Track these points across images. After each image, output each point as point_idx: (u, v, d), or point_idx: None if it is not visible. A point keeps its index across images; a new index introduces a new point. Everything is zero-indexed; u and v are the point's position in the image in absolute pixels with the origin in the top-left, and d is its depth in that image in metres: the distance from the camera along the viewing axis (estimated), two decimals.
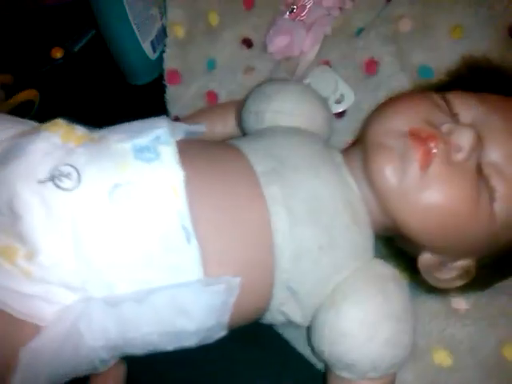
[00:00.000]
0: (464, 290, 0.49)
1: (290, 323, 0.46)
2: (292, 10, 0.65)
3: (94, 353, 0.38)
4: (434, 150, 0.41)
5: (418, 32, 0.62)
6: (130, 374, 0.43)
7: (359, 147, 0.48)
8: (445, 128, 0.43)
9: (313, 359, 0.50)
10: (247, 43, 0.68)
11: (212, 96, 0.66)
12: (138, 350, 0.40)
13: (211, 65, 0.67)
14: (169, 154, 0.40)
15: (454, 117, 0.45)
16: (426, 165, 0.41)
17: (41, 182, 0.37)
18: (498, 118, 0.44)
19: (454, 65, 0.56)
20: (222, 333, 0.42)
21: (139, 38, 0.62)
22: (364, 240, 0.45)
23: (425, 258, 0.47)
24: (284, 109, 0.50)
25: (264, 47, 0.67)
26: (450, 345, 0.48)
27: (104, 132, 0.43)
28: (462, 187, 0.42)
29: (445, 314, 0.50)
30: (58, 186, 0.37)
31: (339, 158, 0.48)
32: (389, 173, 0.42)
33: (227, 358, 0.50)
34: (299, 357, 0.51)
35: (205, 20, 0.68)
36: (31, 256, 0.36)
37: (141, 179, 0.39)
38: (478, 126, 0.43)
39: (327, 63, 0.64)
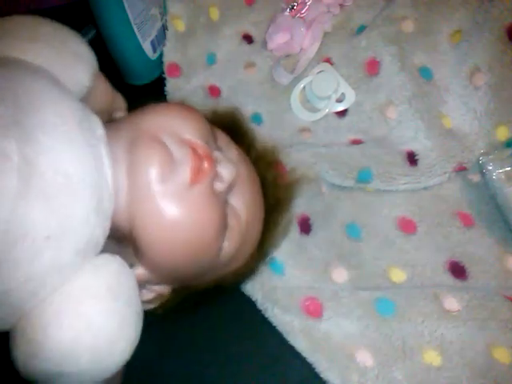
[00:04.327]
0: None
1: None
2: (292, 7, 0.65)
3: None
4: (206, 171, 0.41)
5: (420, 33, 0.61)
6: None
7: (127, 127, 0.43)
8: (215, 155, 0.43)
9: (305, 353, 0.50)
10: (248, 39, 0.68)
11: (214, 90, 0.66)
12: None
13: (211, 59, 0.67)
14: None
15: (219, 150, 0.46)
16: (196, 179, 0.41)
17: None
18: (245, 168, 0.48)
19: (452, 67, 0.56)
20: None
21: (139, 38, 0.61)
22: (100, 234, 0.38)
23: (137, 273, 0.42)
24: None
25: (264, 43, 0.67)
26: (440, 345, 0.49)
27: None
28: (215, 215, 0.42)
29: (437, 314, 0.50)
30: None
31: (100, 130, 0.40)
32: (157, 168, 0.39)
33: (214, 347, 0.51)
34: (291, 350, 0.50)
35: (206, 14, 0.68)
36: None
37: None
38: None
39: (328, 61, 0.64)
